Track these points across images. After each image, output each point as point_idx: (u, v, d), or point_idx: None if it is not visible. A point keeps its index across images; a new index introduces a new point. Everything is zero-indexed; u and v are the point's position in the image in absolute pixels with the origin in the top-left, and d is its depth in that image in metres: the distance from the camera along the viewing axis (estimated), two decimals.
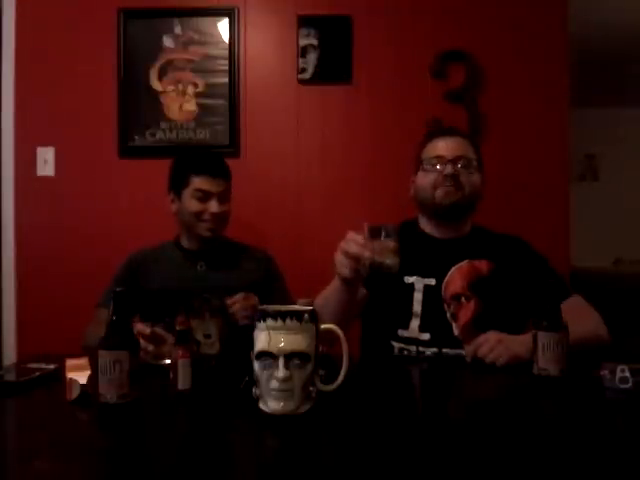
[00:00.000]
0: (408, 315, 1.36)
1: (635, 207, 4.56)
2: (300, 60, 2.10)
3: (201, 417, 0.90)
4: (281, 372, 0.80)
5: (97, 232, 2.11)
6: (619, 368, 0.98)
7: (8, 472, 0.70)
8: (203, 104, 2.11)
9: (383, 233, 1.07)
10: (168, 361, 1.02)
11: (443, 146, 1.43)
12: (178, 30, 2.11)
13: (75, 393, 0.92)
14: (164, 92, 2.12)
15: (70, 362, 1.04)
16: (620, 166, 4.68)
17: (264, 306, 0.86)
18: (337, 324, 0.90)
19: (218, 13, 2.11)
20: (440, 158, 1.41)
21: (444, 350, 1.32)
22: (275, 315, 0.82)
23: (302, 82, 2.11)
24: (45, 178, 2.12)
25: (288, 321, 0.82)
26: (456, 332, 1.34)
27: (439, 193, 1.40)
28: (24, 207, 2.13)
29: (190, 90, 2.12)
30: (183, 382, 0.97)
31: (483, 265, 1.40)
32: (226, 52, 2.11)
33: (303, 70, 2.11)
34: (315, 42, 2.10)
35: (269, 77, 2.13)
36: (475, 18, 2.10)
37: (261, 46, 2.13)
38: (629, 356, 1.06)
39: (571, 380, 1.02)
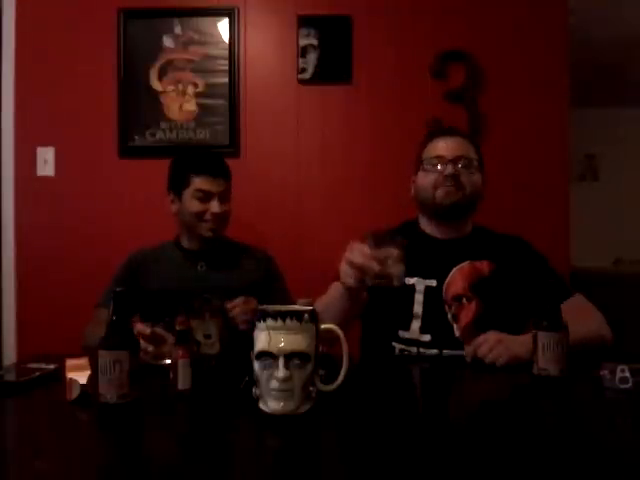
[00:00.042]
0: (409, 316, 1.36)
1: (635, 207, 4.56)
2: (300, 60, 2.10)
3: (201, 417, 0.90)
4: (281, 372, 0.80)
5: (97, 232, 2.11)
6: (619, 368, 0.98)
7: (8, 472, 0.70)
8: (203, 104, 2.12)
9: (387, 242, 1.06)
10: (168, 361, 1.02)
11: (443, 146, 1.43)
12: (178, 30, 2.11)
13: (75, 393, 0.92)
14: (164, 92, 2.12)
15: (70, 362, 1.04)
16: (620, 166, 4.68)
17: (264, 306, 0.86)
18: None
19: (218, 13, 2.11)
20: (440, 158, 1.41)
21: (445, 351, 1.32)
22: (275, 315, 0.82)
23: (302, 82, 2.11)
24: (45, 178, 2.12)
25: (288, 321, 0.82)
26: (457, 333, 1.33)
27: (439, 193, 1.40)
28: (24, 207, 2.13)
29: (190, 90, 2.12)
30: (183, 382, 0.97)
31: (484, 266, 1.40)
32: (226, 52, 2.11)
33: (303, 70, 2.11)
34: (315, 42, 2.10)
35: (269, 77, 2.13)
36: (475, 18, 2.10)
37: (261, 46, 2.13)
38: (629, 356, 1.06)
39: (571, 380, 1.02)
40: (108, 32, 2.11)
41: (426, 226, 1.49)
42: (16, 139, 2.13)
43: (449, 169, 1.38)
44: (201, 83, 2.12)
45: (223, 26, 2.11)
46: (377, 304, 1.39)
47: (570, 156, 2.16)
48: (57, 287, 2.09)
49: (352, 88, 2.11)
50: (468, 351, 1.20)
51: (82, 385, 0.92)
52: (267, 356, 0.81)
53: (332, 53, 2.10)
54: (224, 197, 1.57)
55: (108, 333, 0.86)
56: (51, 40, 2.12)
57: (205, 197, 1.54)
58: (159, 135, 2.12)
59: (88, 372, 0.97)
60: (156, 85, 2.12)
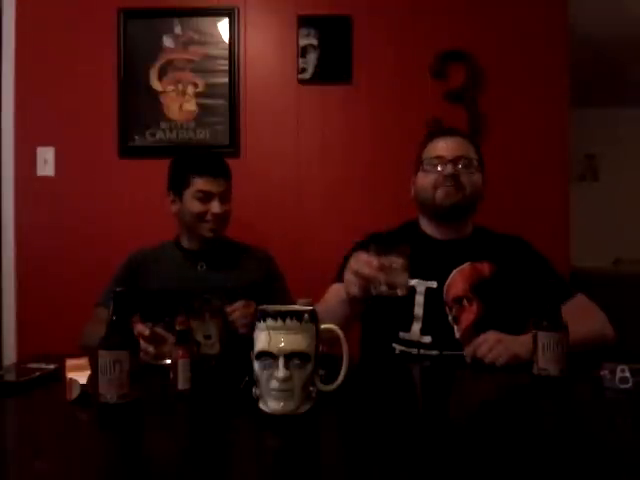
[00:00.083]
0: (409, 318, 1.35)
1: (635, 207, 4.56)
2: (300, 60, 2.10)
3: (201, 417, 0.90)
4: (281, 372, 0.80)
5: (97, 232, 2.11)
6: (619, 368, 0.98)
7: (8, 472, 0.70)
8: (203, 104, 2.12)
9: (392, 251, 1.06)
10: (168, 361, 1.02)
11: (443, 146, 1.42)
12: (178, 30, 2.11)
13: (75, 393, 0.92)
14: (164, 92, 2.12)
15: (70, 362, 1.04)
16: (620, 166, 4.68)
17: (264, 306, 0.86)
18: None
19: (218, 13, 2.11)
20: (440, 158, 1.40)
21: (445, 353, 1.32)
22: (275, 315, 0.82)
23: (302, 82, 2.11)
24: (45, 178, 2.12)
25: (288, 321, 0.82)
26: (457, 335, 1.32)
27: (439, 194, 1.39)
28: (24, 207, 2.13)
29: (190, 90, 2.12)
30: (183, 382, 0.97)
31: (485, 267, 1.39)
32: (226, 52, 2.11)
33: (303, 70, 2.11)
34: (315, 42, 2.10)
35: (269, 77, 2.13)
36: (475, 18, 2.10)
37: (261, 46, 2.13)
38: (629, 356, 1.06)
39: (571, 380, 1.02)
40: (108, 32, 2.11)
41: (426, 227, 1.48)
42: (16, 139, 2.13)
43: (449, 169, 1.38)
44: (201, 83, 2.12)
45: (223, 26, 2.11)
46: (377, 305, 1.39)
47: (570, 156, 2.16)
48: (57, 287, 2.09)
49: (352, 88, 2.11)
50: (468, 351, 1.19)
51: (82, 385, 0.92)
52: (267, 356, 0.81)
53: (332, 53, 2.10)
54: (225, 197, 1.57)
55: (108, 333, 0.86)
56: (51, 40, 2.12)
57: (206, 197, 1.54)
58: (159, 135, 2.12)
59: (88, 372, 0.97)
60: (156, 85, 2.12)
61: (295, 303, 0.93)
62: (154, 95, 2.12)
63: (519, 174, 2.10)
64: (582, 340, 1.16)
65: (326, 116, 2.12)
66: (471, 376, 1.17)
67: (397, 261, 1.06)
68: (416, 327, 1.34)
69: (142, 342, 1.13)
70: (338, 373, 0.88)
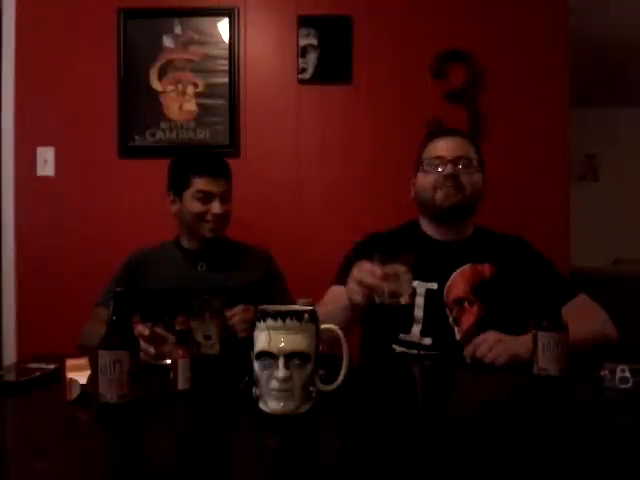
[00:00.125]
0: (409, 320, 1.34)
1: (635, 207, 4.56)
2: (300, 60, 2.10)
3: (201, 417, 0.90)
4: (281, 372, 0.80)
5: (97, 232, 2.11)
6: (619, 368, 0.98)
7: (8, 472, 0.70)
8: (203, 104, 2.12)
9: (395, 260, 1.07)
10: (169, 361, 1.02)
11: (443, 146, 1.42)
12: (178, 30, 2.11)
13: (75, 393, 0.92)
14: (164, 92, 2.12)
15: (70, 362, 1.04)
16: (620, 166, 4.68)
17: (264, 306, 0.86)
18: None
19: (218, 13, 2.11)
20: (440, 158, 1.40)
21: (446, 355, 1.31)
22: (275, 315, 0.82)
23: (302, 82, 2.11)
24: (45, 178, 2.12)
25: (288, 321, 0.82)
26: (458, 337, 1.32)
27: (439, 195, 1.39)
28: (24, 207, 2.13)
29: (190, 90, 2.12)
30: (183, 382, 0.97)
31: (486, 269, 1.38)
32: (226, 52, 2.11)
33: (303, 70, 2.11)
34: (315, 42, 2.10)
35: (269, 77, 2.13)
36: (475, 18, 2.10)
37: (261, 46, 2.13)
38: (629, 356, 1.06)
39: (571, 380, 1.02)
40: (108, 32, 2.11)
41: (427, 227, 1.48)
42: (16, 139, 2.13)
43: (449, 169, 1.37)
44: (201, 83, 2.12)
45: (223, 26, 2.11)
46: (377, 308, 1.39)
47: (570, 156, 2.16)
48: (57, 287, 2.09)
49: (352, 88, 2.11)
50: (468, 351, 1.19)
51: (82, 385, 0.92)
52: (267, 356, 0.81)
53: (332, 53, 2.10)
54: (225, 197, 1.57)
55: (108, 333, 0.86)
56: (51, 40, 2.12)
57: (206, 198, 1.54)
58: (159, 135, 2.12)
59: (88, 372, 0.97)
60: (156, 85, 2.12)
61: (295, 303, 0.93)
62: (154, 95, 2.12)
63: (519, 174, 2.10)
64: (583, 340, 1.16)
65: (326, 116, 2.12)
66: (471, 376, 1.17)
67: (400, 270, 1.06)
68: (416, 329, 1.34)
69: (142, 342, 1.13)
70: (338, 373, 0.88)
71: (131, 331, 0.89)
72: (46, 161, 2.12)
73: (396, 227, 1.53)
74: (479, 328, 1.28)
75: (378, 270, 1.06)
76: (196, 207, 1.54)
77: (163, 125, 2.12)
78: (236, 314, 1.29)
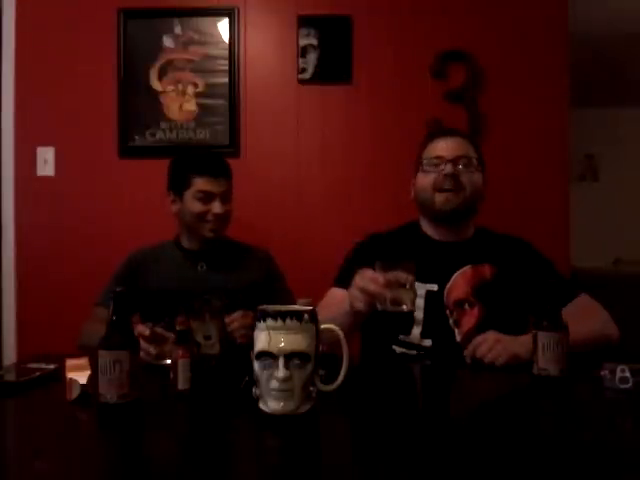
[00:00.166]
0: (409, 322, 1.34)
1: (635, 207, 4.56)
2: (300, 60, 2.10)
3: (201, 417, 0.90)
4: (281, 372, 0.80)
5: (97, 232, 2.11)
6: (619, 368, 0.98)
7: (8, 472, 0.70)
8: (203, 104, 2.12)
9: (397, 267, 1.08)
10: (169, 361, 1.02)
11: (443, 146, 1.42)
12: (178, 30, 2.11)
13: (75, 393, 0.92)
14: (164, 92, 2.12)
15: (70, 362, 1.04)
16: (620, 166, 4.68)
17: (264, 306, 0.86)
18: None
19: (218, 13, 2.11)
20: (440, 158, 1.40)
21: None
22: (275, 315, 0.82)
23: (302, 82, 2.11)
24: (45, 178, 2.12)
25: (288, 321, 0.82)
26: (458, 338, 1.32)
27: (439, 199, 1.38)
28: (24, 207, 2.13)
29: (190, 90, 2.12)
30: (183, 382, 0.97)
31: (486, 270, 1.38)
32: (226, 52, 2.11)
33: (303, 70, 2.11)
34: (315, 42, 2.10)
35: (269, 77, 2.13)
36: (475, 18, 2.10)
37: (261, 46, 2.13)
38: (629, 356, 1.06)
39: (571, 380, 1.02)
40: (108, 32, 2.11)
41: (427, 228, 1.48)
42: (16, 139, 2.13)
43: (448, 168, 1.37)
44: (201, 83, 2.12)
45: (223, 26, 2.11)
46: (377, 310, 1.38)
47: (570, 156, 2.16)
48: (57, 287, 2.09)
49: (352, 88, 2.11)
50: (467, 351, 1.19)
51: (82, 385, 0.92)
52: (267, 356, 0.81)
53: (332, 53, 2.10)
54: (225, 197, 1.57)
55: (108, 333, 0.86)
56: (51, 40, 2.12)
57: (207, 198, 1.54)
58: (159, 135, 2.12)
59: (88, 372, 0.97)
60: (156, 85, 2.12)
61: (295, 303, 0.93)
62: (154, 95, 2.12)
63: (519, 174, 2.10)
64: (584, 340, 1.16)
65: (326, 116, 2.12)
66: (471, 376, 1.17)
67: (403, 277, 1.07)
68: (416, 331, 1.33)
69: (143, 343, 1.13)
70: (338, 373, 0.88)
71: (131, 331, 0.89)
72: (46, 161, 2.12)
73: (396, 227, 1.53)
74: (480, 330, 1.27)
75: (381, 278, 1.07)
76: (197, 207, 1.54)
77: (163, 125, 2.12)
78: (235, 320, 1.28)
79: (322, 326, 0.87)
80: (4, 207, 2.14)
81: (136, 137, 2.12)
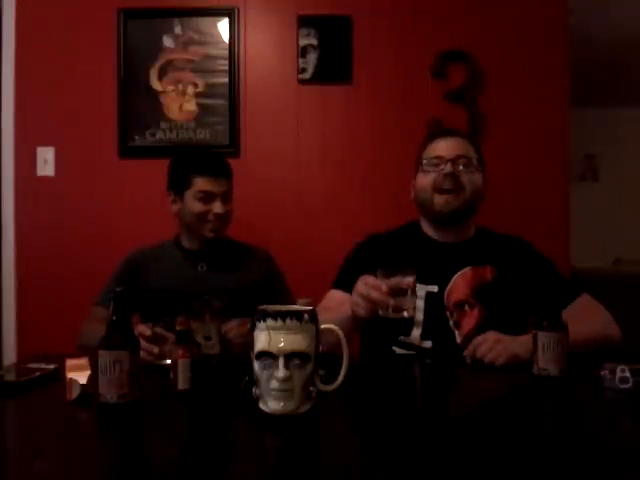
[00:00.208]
0: (409, 323, 1.33)
1: (635, 207, 4.56)
2: (300, 60, 2.10)
3: (201, 417, 0.90)
4: (281, 372, 0.80)
5: (97, 232, 2.11)
6: (619, 368, 0.98)
7: (8, 472, 0.70)
8: (203, 104, 2.11)
9: (399, 274, 1.09)
10: (169, 361, 1.02)
11: (443, 146, 1.41)
12: (178, 30, 2.11)
13: (75, 393, 0.92)
14: (164, 92, 2.12)
15: (70, 362, 1.04)
16: (620, 166, 4.68)
17: (264, 306, 0.86)
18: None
19: (218, 13, 2.11)
20: (440, 158, 1.39)
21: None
22: (275, 315, 0.82)
23: (302, 82, 2.11)
24: (45, 178, 2.12)
25: (288, 321, 0.82)
26: (459, 340, 1.32)
27: (439, 200, 1.38)
28: (24, 207, 2.13)
29: (190, 90, 2.12)
30: (183, 382, 0.97)
31: (487, 271, 1.38)
32: (226, 52, 2.11)
33: (303, 70, 2.11)
34: (315, 42, 2.10)
35: (269, 77, 2.13)
36: (475, 18, 2.10)
37: (261, 46, 2.13)
38: (629, 356, 1.06)
39: (571, 380, 1.02)
40: (108, 32, 2.11)
41: (427, 229, 1.47)
42: (16, 139, 2.13)
43: (448, 168, 1.37)
44: (201, 83, 2.12)
45: (223, 26, 2.11)
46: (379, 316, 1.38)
47: (570, 156, 2.16)
48: (57, 287, 2.09)
49: (352, 88, 2.11)
50: (467, 351, 1.19)
51: (82, 385, 0.92)
52: (267, 356, 0.81)
53: (332, 53, 2.10)
54: (226, 197, 1.57)
55: (108, 333, 0.86)
56: (51, 40, 2.12)
57: (207, 198, 1.54)
58: (159, 135, 2.12)
59: (88, 372, 0.97)
60: (156, 85, 2.12)
61: (295, 303, 0.93)
62: (154, 95, 2.12)
63: (519, 174, 2.09)
64: (586, 340, 1.16)
65: (326, 116, 2.12)
66: (471, 376, 1.17)
67: (404, 284, 1.08)
68: (416, 332, 1.33)
69: (145, 343, 1.13)
70: (338, 373, 0.88)
71: (131, 331, 0.89)
72: (46, 161, 2.12)
73: (396, 227, 1.53)
74: (480, 331, 1.26)
75: (383, 285, 1.08)
76: (197, 207, 1.54)
77: (163, 125, 2.12)
78: (232, 329, 1.27)
79: (322, 326, 0.87)
80: (4, 207, 2.14)
81: (136, 137, 2.12)
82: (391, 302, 1.08)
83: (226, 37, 2.11)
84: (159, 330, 1.18)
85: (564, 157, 2.12)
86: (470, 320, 1.33)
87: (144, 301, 1.51)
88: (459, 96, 2.08)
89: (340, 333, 0.89)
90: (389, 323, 1.33)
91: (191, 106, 2.12)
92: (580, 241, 2.56)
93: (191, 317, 1.14)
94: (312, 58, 2.10)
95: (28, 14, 2.12)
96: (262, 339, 0.82)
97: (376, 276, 1.12)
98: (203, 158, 1.62)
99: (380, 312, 1.10)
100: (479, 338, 1.19)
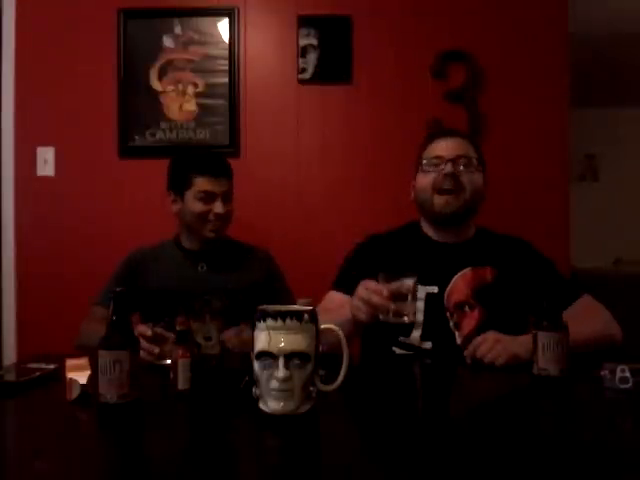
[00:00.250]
0: (409, 325, 1.33)
1: (635, 207, 4.56)
2: (300, 60, 2.10)
3: (201, 417, 0.90)
4: (281, 372, 0.80)
5: (97, 232, 2.11)
6: (619, 368, 0.98)
7: (8, 472, 0.70)
8: (203, 104, 2.11)
9: (400, 279, 1.09)
10: (169, 361, 1.02)
11: (443, 146, 1.41)
12: (178, 30, 2.11)
13: (75, 393, 0.92)
14: (164, 92, 2.12)
15: (70, 362, 1.04)
16: (620, 166, 4.68)
17: (264, 306, 0.86)
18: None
19: (218, 13, 2.11)
20: (440, 158, 1.39)
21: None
22: (275, 315, 0.82)
23: (302, 82, 2.11)
24: (45, 178, 2.12)
25: (288, 321, 0.81)
26: (459, 341, 1.31)
27: (438, 201, 1.38)
28: (24, 207, 2.13)
29: (190, 90, 2.12)
30: (183, 382, 0.97)
31: (487, 272, 1.37)
32: (226, 52, 2.11)
33: (303, 70, 2.11)
34: (315, 42, 2.10)
35: (269, 77, 2.13)
36: (475, 18, 2.10)
37: (261, 46, 2.13)
38: (629, 356, 1.06)
39: (571, 380, 1.02)
40: (108, 32, 2.11)
41: (428, 229, 1.47)
42: (16, 139, 2.13)
43: (448, 168, 1.36)
44: (201, 83, 2.12)
45: (223, 26, 2.11)
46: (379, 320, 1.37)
47: (570, 156, 2.16)
48: (57, 287, 2.09)
49: (352, 88, 2.11)
50: (468, 352, 1.19)
51: (82, 385, 0.92)
52: (267, 356, 0.81)
53: (332, 53, 2.10)
54: (227, 197, 1.57)
55: (108, 333, 0.86)
56: (51, 40, 2.12)
57: (208, 198, 1.54)
58: (159, 135, 2.12)
59: (88, 372, 0.97)
60: (156, 85, 2.12)
61: (295, 303, 0.93)
62: (154, 95, 2.12)
63: (519, 174, 2.09)
64: (587, 341, 1.16)
65: (326, 116, 2.12)
66: (471, 376, 1.17)
67: (405, 289, 1.08)
68: (416, 333, 1.33)
69: (145, 343, 1.13)
70: (338, 373, 0.88)
71: (131, 331, 0.89)
72: (46, 161, 2.12)
73: (396, 228, 1.53)
74: (480, 332, 1.26)
75: (385, 290, 1.08)
76: (198, 207, 1.54)
77: (163, 125, 2.12)
78: (230, 339, 1.25)
79: (322, 326, 0.87)
80: (4, 207, 2.14)
81: (136, 137, 2.12)
82: (392, 307, 1.08)
83: (226, 37, 2.11)
84: (159, 330, 1.18)
85: (564, 157, 2.12)
86: (470, 321, 1.33)
87: (144, 301, 1.51)
88: (459, 96, 2.08)
89: (340, 333, 0.89)
90: (389, 326, 1.34)
91: (191, 106, 2.12)
92: (580, 241, 2.56)
93: (191, 317, 1.14)
94: (312, 58, 2.10)
95: (28, 14, 2.12)
96: (262, 339, 0.82)
97: (377, 280, 1.12)
98: (204, 158, 1.62)
99: (380, 317, 1.10)
100: (479, 338, 1.19)
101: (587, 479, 0.67)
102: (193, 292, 1.31)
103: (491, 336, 1.17)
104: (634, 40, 3.27)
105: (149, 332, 1.15)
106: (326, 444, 0.79)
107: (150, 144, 2.12)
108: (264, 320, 0.82)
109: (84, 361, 1.04)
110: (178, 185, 1.58)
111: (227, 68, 2.11)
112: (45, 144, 2.12)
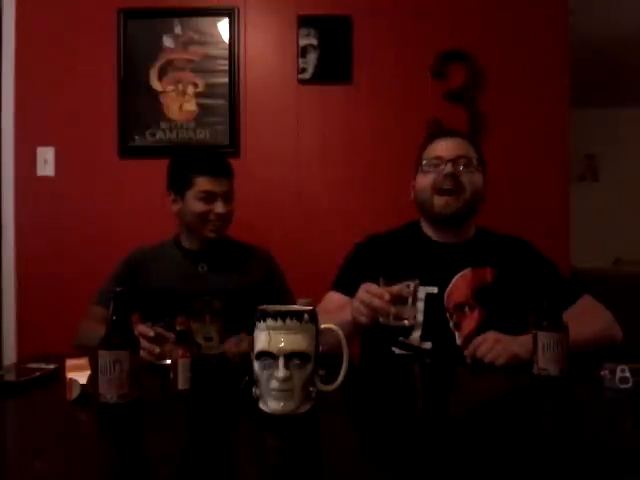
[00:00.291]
0: (409, 327, 1.33)
1: (635, 207, 4.56)
2: (300, 60, 2.10)
3: (201, 417, 0.90)
4: (281, 372, 0.80)
5: (97, 232, 2.11)
6: (619, 368, 0.98)
7: (8, 472, 0.70)
8: (203, 104, 2.11)
9: (400, 282, 1.10)
10: (169, 361, 1.02)
11: (443, 147, 1.41)
12: (178, 30, 2.11)
13: (75, 393, 0.92)
14: (164, 92, 2.12)
15: (70, 362, 1.04)
16: (620, 166, 4.68)
17: (264, 306, 0.86)
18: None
19: (218, 13, 2.11)
20: (440, 158, 1.39)
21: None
22: (275, 315, 0.82)
23: (302, 82, 2.11)
24: (45, 178, 2.12)
25: (288, 321, 0.82)
26: (459, 342, 1.31)
27: (438, 202, 1.38)
28: (24, 207, 2.13)
29: (190, 90, 2.12)
30: (183, 382, 0.97)
31: (487, 272, 1.37)
32: (226, 52, 2.11)
33: (303, 70, 2.11)
34: (315, 42, 2.10)
35: (269, 77, 2.13)
36: (475, 18, 2.10)
37: (261, 46, 2.13)
38: (629, 356, 1.06)
39: (571, 380, 1.02)
40: (108, 32, 2.11)
41: (428, 229, 1.47)
42: (16, 139, 2.13)
43: (448, 168, 1.36)
44: (201, 83, 2.12)
45: (223, 26, 2.11)
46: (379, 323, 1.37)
47: (570, 156, 2.16)
48: (57, 287, 2.09)
49: (352, 88, 2.11)
50: (468, 352, 1.19)
51: (82, 385, 0.92)
52: (267, 356, 0.81)
53: (332, 53, 2.10)
54: (227, 197, 1.57)
55: (108, 333, 0.86)
56: (51, 40, 2.12)
57: (209, 198, 1.53)
58: (159, 135, 2.12)
59: (88, 372, 0.97)
60: (156, 85, 2.12)
61: (295, 303, 0.93)
62: (154, 95, 2.12)
63: (519, 174, 2.09)
64: (587, 341, 1.16)
65: (326, 116, 2.12)
66: (471, 376, 1.17)
67: (406, 292, 1.09)
68: (416, 334, 1.32)
69: (146, 343, 1.13)
70: (338, 373, 0.88)
71: (131, 331, 0.89)
72: (46, 161, 2.12)
73: (396, 228, 1.53)
74: (480, 333, 1.26)
75: (386, 294, 1.08)
76: (198, 207, 1.54)
77: (163, 125, 2.12)
78: (230, 349, 1.23)
79: (322, 326, 0.87)
80: (4, 207, 2.14)
81: (136, 137, 2.12)
82: (392, 310, 1.08)
83: (226, 37, 2.11)
84: (159, 330, 1.18)
85: (564, 157, 2.12)
86: (470, 322, 1.33)
87: (144, 301, 1.51)
88: (459, 96, 2.08)
89: (340, 333, 0.89)
90: (389, 328, 1.34)
91: (191, 106, 2.12)
92: (580, 241, 2.56)
93: (191, 318, 1.14)
94: (312, 58, 2.10)
95: (28, 14, 2.12)
96: (262, 339, 0.82)
97: (378, 283, 1.12)
98: (204, 158, 1.62)
99: (381, 320, 1.11)
100: (479, 338, 1.19)
101: (587, 479, 0.67)
102: (193, 292, 1.31)
103: (491, 336, 1.17)
104: (634, 40, 3.27)
105: (151, 332, 1.15)
106: (326, 444, 0.79)
107: (150, 144, 2.12)
108: (264, 320, 0.82)
109: (84, 361, 1.04)
110: (179, 185, 1.58)
111: (227, 68, 2.11)
112: (45, 144, 2.12)
